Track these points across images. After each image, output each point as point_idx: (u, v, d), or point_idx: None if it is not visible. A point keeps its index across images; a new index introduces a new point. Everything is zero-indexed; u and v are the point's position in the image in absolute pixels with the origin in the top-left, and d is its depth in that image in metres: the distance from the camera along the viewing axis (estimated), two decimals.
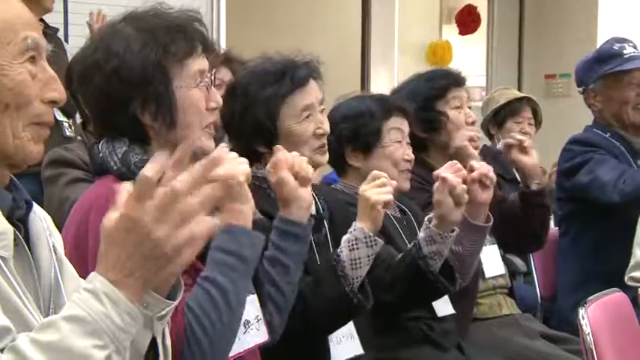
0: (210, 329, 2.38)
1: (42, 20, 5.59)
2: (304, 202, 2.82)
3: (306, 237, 2.83)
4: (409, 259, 3.32)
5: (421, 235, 3.33)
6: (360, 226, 3.04)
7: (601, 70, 4.75)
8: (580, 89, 4.92)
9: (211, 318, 2.38)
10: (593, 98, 4.83)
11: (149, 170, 1.73)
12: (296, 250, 2.77)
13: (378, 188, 3.06)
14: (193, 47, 2.59)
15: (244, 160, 2.54)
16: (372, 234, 3.03)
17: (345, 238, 3.05)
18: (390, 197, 3.07)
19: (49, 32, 5.46)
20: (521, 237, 4.23)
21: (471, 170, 3.45)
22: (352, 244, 3.03)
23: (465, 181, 3.35)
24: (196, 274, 2.43)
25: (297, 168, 2.79)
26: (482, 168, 3.48)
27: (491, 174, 3.51)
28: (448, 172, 3.33)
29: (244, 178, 2.49)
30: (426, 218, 3.35)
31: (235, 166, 2.49)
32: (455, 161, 3.45)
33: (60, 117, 4.02)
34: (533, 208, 4.18)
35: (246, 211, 2.52)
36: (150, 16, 2.61)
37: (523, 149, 4.08)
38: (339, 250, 3.05)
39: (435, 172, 3.40)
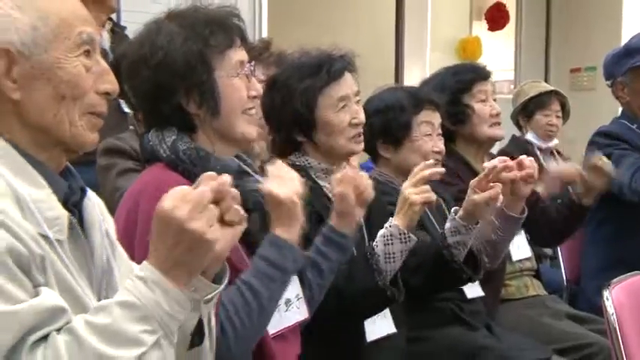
0: (239, 326, 2.43)
1: (110, 19, 5.63)
2: (356, 220, 2.85)
3: (349, 248, 2.85)
4: (434, 248, 3.34)
5: (447, 225, 3.35)
6: (395, 223, 3.06)
7: (629, 63, 4.70)
8: (608, 82, 4.87)
9: (241, 318, 2.43)
10: (621, 90, 4.79)
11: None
12: (335, 258, 2.79)
13: (419, 188, 3.07)
14: (232, 39, 2.63)
15: (296, 176, 2.60)
16: (406, 231, 3.04)
17: (380, 232, 3.07)
18: (431, 198, 3.09)
19: (117, 30, 5.49)
20: (550, 233, 4.24)
21: (520, 165, 3.44)
22: (387, 240, 3.05)
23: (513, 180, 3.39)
24: (235, 274, 2.45)
25: (361, 188, 2.82)
26: (531, 168, 3.46)
27: (536, 174, 3.51)
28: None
29: (297, 198, 2.55)
30: (452, 209, 3.37)
31: (290, 184, 2.57)
32: (505, 158, 3.47)
33: (126, 109, 4.05)
34: (575, 219, 4.23)
35: (295, 226, 2.56)
36: (190, 12, 2.66)
37: (602, 174, 4.06)
38: (374, 243, 3.07)
39: (486, 164, 3.45)
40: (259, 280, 2.45)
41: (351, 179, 2.80)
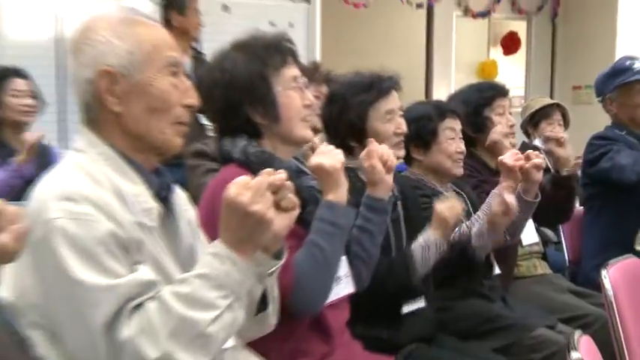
0: (312, 280, 2.47)
1: (192, 47, 5.66)
2: (387, 185, 2.85)
3: (386, 210, 2.86)
4: (460, 248, 3.34)
5: (474, 230, 3.35)
6: (433, 234, 3.05)
7: (616, 82, 4.70)
8: (599, 98, 4.86)
9: (314, 268, 2.48)
10: (610, 104, 4.78)
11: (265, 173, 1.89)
12: (379, 220, 2.81)
13: (451, 206, 3.07)
14: (285, 59, 2.64)
15: (340, 152, 2.63)
16: (441, 241, 3.05)
17: (420, 240, 3.07)
18: (460, 212, 3.09)
19: (199, 57, 5.52)
20: (550, 212, 4.19)
21: (528, 158, 3.42)
22: (425, 247, 3.05)
23: (521, 167, 3.36)
24: (300, 240, 2.51)
25: (385, 158, 2.82)
26: (538, 158, 3.44)
27: (543, 164, 3.48)
28: (510, 159, 3.36)
29: (340, 165, 2.58)
30: (481, 217, 3.36)
31: (334, 157, 2.60)
32: (516, 151, 3.49)
33: (204, 121, 4.08)
34: (561, 190, 4.11)
35: (341, 190, 2.59)
36: (250, 40, 2.67)
37: (560, 143, 4.01)
38: (413, 247, 3.07)
39: (500, 158, 3.43)
40: (321, 237, 2.51)
41: (376, 152, 2.81)
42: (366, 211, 2.79)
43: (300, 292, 2.44)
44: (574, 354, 1.83)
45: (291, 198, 1.95)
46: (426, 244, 3.05)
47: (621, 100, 4.73)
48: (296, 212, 1.98)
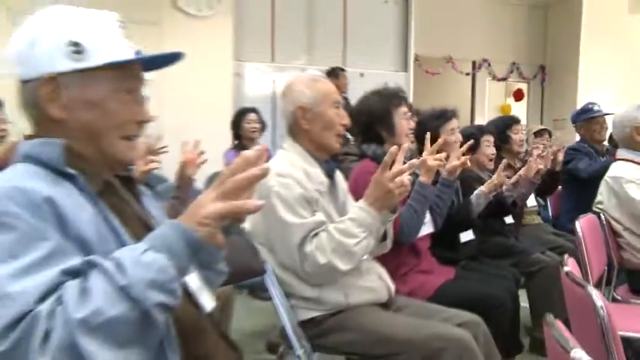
0: (409, 224, 2.37)
1: (342, 97, 5.62)
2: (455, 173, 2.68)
3: (454, 186, 2.69)
4: (496, 198, 3.14)
5: (504, 187, 3.19)
6: (483, 189, 2.92)
7: (583, 116, 4.51)
8: (573, 125, 4.65)
9: (411, 219, 2.37)
10: (579, 129, 4.56)
11: (387, 157, 1.80)
12: (449, 192, 2.65)
13: (499, 182, 2.94)
14: (401, 102, 2.55)
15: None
16: (488, 193, 2.90)
17: (475, 192, 2.93)
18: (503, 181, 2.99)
19: (346, 102, 5.46)
20: (543, 190, 3.98)
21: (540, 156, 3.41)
22: (478, 197, 2.92)
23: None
24: (403, 203, 2.39)
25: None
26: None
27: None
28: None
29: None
30: (506, 181, 3.20)
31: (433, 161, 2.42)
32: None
33: (348, 135, 4.04)
34: (554, 179, 4.01)
35: (430, 176, 2.41)
36: (382, 90, 2.59)
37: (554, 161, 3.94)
38: (471, 197, 2.94)
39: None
40: (416, 202, 2.38)
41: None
42: (441, 185, 2.64)
43: (402, 232, 2.35)
44: (566, 268, 1.68)
45: (408, 186, 1.85)
46: (479, 194, 2.93)
47: (586, 126, 4.52)
48: (407, 191, 1.88)
